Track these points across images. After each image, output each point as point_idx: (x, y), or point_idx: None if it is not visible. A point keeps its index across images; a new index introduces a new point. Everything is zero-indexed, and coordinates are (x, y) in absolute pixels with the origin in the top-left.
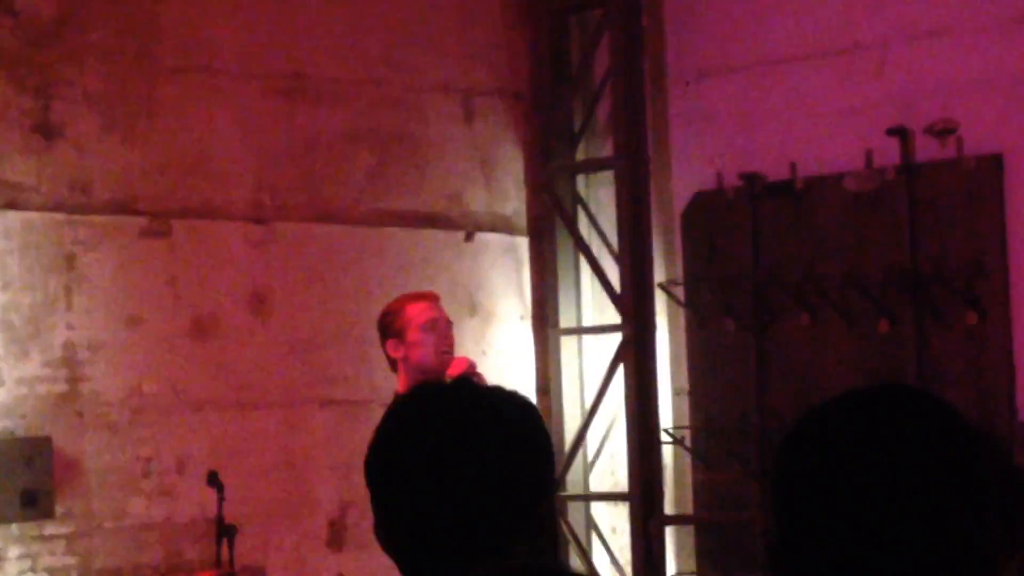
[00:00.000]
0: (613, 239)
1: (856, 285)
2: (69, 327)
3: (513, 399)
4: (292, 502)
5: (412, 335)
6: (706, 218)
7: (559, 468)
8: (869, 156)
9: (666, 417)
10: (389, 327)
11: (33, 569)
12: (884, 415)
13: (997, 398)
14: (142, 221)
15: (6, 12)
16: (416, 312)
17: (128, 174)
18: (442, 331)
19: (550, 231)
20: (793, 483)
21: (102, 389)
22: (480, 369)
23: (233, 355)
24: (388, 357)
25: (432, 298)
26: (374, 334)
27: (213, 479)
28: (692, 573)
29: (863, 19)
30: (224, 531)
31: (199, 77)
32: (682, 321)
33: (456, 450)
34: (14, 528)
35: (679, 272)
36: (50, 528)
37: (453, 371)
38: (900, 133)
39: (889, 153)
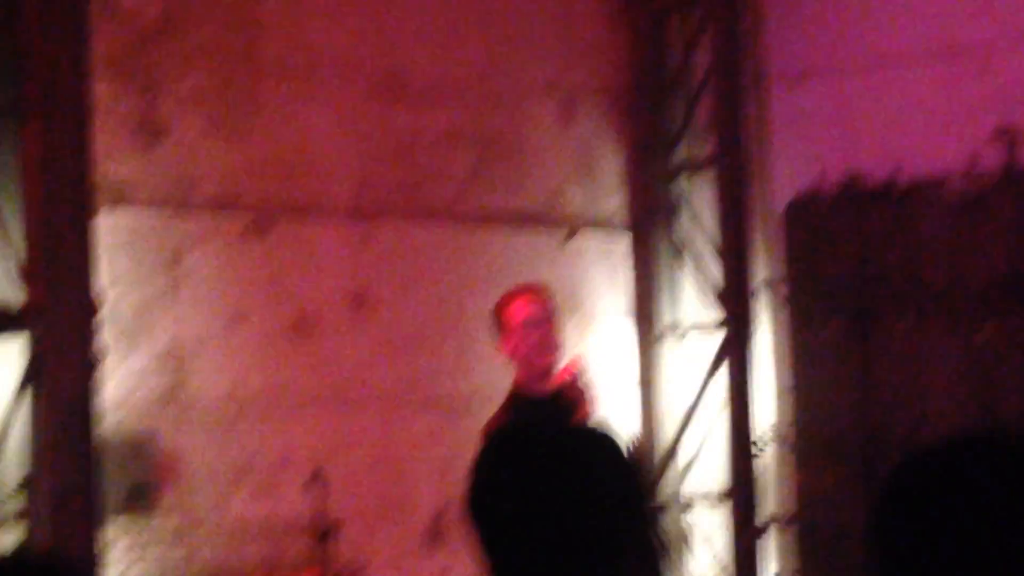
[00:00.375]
0: (715, 238)
1: (959, 290)
2: (175, 323)
3: (591, 433)
4: (392, 501)
5: (512, 332)
6: (808, 218)
7: (657, 470)
8: (973, 160)
9: (768, 418)
10: (496, 323)
11: (142, 559)
12: (996, 466)
13: None
14: (245, 218)
15: (112, 12)
16: (516, 309)
17: (231, 172)
18: (542, 327)
19: (651, 229)
20: (898, 540)
21: (206, 385)
22: (585, 366)
23: (334, 353)
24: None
25: (535, 291)
26: (474, 333)
27: (317, 476)
28: None
29: (967, 19)
30: (326, 529)
31: (301, 77)
32: (785, 321)
33: (549, 483)
34: (122, 520)
35: (781, 272)
36: (155, 522)
37: (561, 375)
38: (1005, 135)
39: (994, 156)
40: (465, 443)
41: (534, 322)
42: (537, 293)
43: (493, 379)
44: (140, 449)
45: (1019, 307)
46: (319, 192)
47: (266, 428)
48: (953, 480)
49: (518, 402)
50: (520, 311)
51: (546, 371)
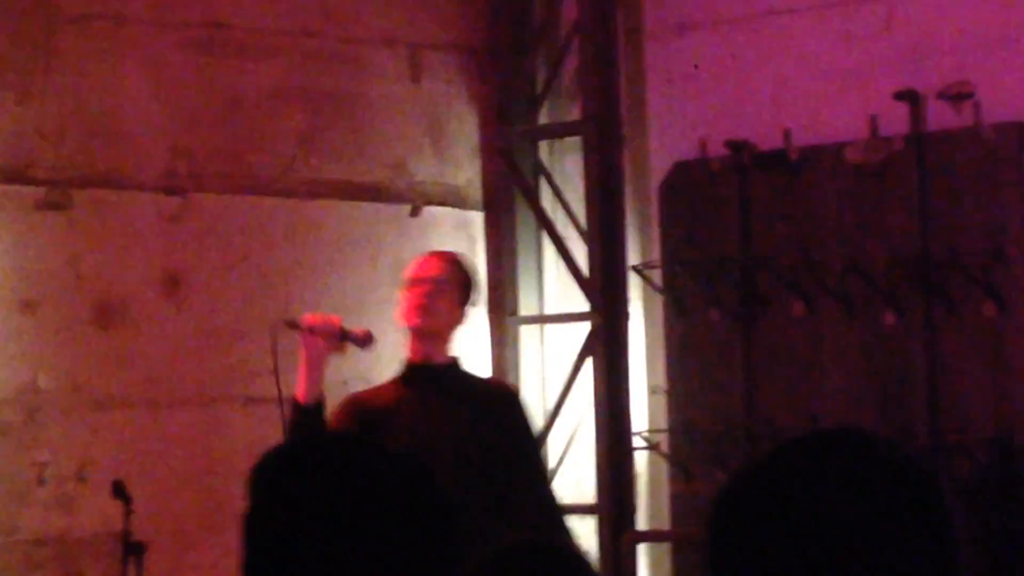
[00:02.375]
0: (581, 215)
1: (858, 270)
2: None
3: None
4: (210, 515)
5: (401, 292)
6: (688, 192)
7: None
8: (874, 123)
9: (640, 419)
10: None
11: None
12: (826, 467)
13: (1018, 399)
14: (39, 191)
15: None
16: (409, 266)
17: (22, 137)
18: (424, 287)
19: (508, 205)
20: (729, 547)
21: None
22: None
23: (143, 346)
24: None
25: (441, 254)
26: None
27: (119, 489)
28: None
29: None
30: (131, 548)
31: (104, 26)
32: (659, 310)
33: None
34: None
35: (656, 254)
36: None
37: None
38: (909, 97)
39: (897, 121)
40: None
41: (417, 280)
42: (440, 256)
43: (328, 373)
44: None
45: (924, 292)
46: (126, 161)
47: (63, 432)
48: (779, 489)
49: (406, 371)
50: (411, 267)
51: (418, 334)
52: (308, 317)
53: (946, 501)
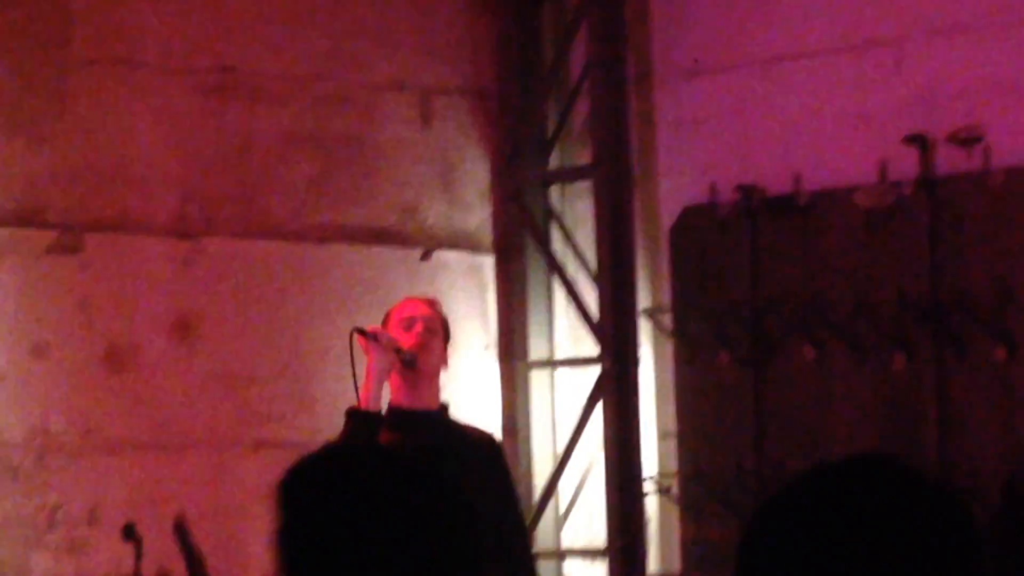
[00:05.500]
0: (591, 258)
1: (868, 314)
2: None
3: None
4: (221, 559)
5: (391, 334)
6: (697, 236)
7: (528, 518)
8: (883, 168)
9: (651, 463)
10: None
11: None
12: (855, 494)
13: None
14: (50, 235)
15: None
16: (398, 308)
17: (34, 181)
18: (420, 325)
19: (519, 249)
20: (761, 570)
21: (2, 427)
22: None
23: (154, 389)
24: None
25: (427, 298)
26: (315, 367)
27: (130, 532)
28: None
29: (878, 10)
30: None
31: (117, 70)
32: (669, 354)
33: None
34: None
35: (666, 298)
36: None
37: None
38: (919, 142)
39: (906, 165)
40: None
41: (411, 321)
42: (428, 300)
43: (337, 419)
44: None
45: (934, 335)
46: (137, 204)
47: (73, 476)
48: (809, 513)
49: (392, 416)
50: (402, 310)
51: (410, 360)
52: (376, 327)
53: (976, 528)
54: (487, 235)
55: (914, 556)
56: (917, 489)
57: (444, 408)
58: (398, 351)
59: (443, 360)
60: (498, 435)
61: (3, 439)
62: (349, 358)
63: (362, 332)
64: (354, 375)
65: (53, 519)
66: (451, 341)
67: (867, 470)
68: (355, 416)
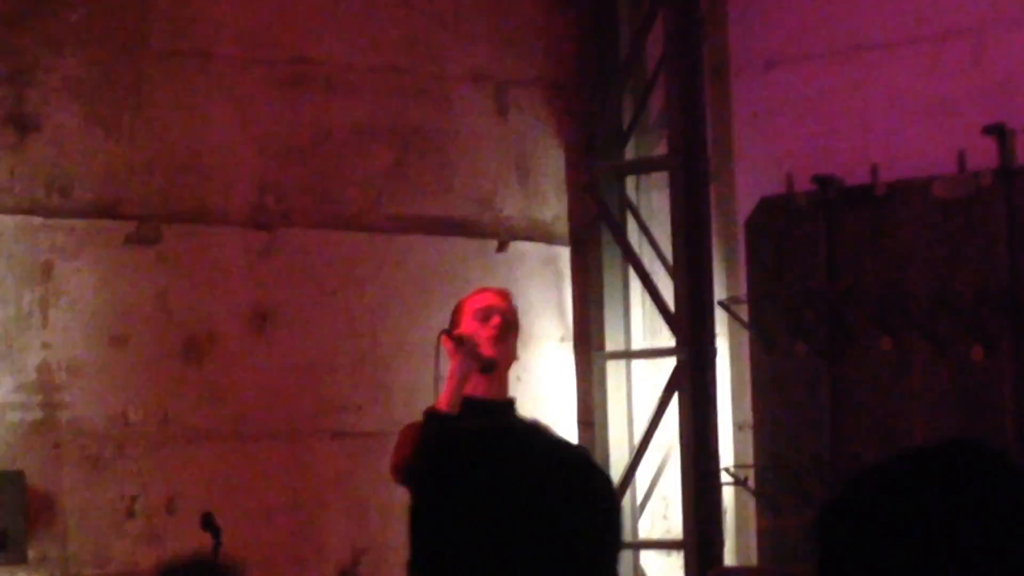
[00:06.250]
0: (667, 250)
1: (946, 305)
2: (45, 346)
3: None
4: (298, 548)
5: (464, 323)
6: (774, 227)
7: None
8: (962, 158)
9: (727, 454)
10: (452, 319)
11: None
12: (943, 479)
13: None
14: (128, 226)
15: None
16: (473, 299)
17: (113, 173)
18: (496, 319)
19: (595, 240)
20: (841, 556)
21: (82, 417)
22: (516, 395)
23: (231, 380)
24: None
25: (501, 291)
26: (392, 356)
27: (208, 521)
28: None
29: (956, 1)
30: None
31: (193, 63)
32: (746, 346)
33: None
34: None
35: (742, 289)
36: (22, 575)
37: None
38: (997, 132)
39: (985, 155)
40: (382, 482)
41: (488, 312)
42: (501, 292)
43: (415, 409)
44: (4, 491)
45: (1013, 326)
46: (214, 195)
47: (152, 466)
48: (889, 496)
49: (468, 407)
50: (477, 300)
51: (490, 366)
52: (462, 331)
53: None
54: (563, 226)
55: (1003, 539)
56: (1007, 473)
57: (512, 402)
58: (479, 357)
59: (515, 354)
60: (575, 429)
61: (83, 429)
62: (434, 359)
63: (450, 335)
64: (436, 375)
65: (132, 509)
66: (520, 333)
67: (957, 454)
68: (434, 418)
